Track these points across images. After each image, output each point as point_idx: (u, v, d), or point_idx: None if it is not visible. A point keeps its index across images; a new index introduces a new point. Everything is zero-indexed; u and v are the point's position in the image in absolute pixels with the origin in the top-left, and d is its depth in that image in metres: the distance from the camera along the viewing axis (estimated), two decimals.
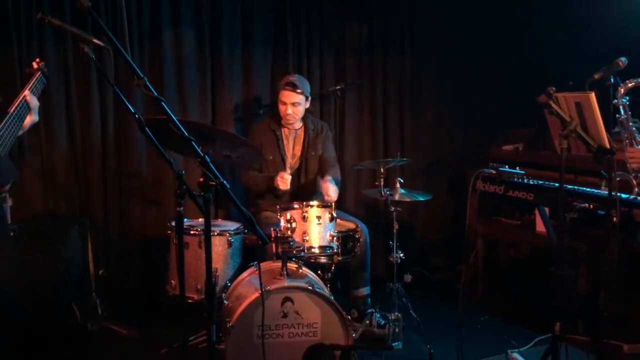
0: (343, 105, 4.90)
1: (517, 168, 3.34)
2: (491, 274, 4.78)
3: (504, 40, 5.25)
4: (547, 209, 3.58)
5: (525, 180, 3.25)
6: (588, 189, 3.07)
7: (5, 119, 2.60)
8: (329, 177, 4.01)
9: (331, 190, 3.89)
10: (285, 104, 4.07)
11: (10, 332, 2.88)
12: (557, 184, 2.89)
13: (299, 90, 4.03)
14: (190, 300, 3.43)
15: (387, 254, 3.78)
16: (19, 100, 2.69)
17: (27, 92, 2.73)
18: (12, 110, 2.65)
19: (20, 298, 3.02)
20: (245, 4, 4.65)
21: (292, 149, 4.23)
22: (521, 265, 4.65)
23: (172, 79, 4.46)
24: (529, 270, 4.47)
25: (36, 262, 3.61)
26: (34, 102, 2.75)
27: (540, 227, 4.23)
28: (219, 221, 3.93)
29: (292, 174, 4.08)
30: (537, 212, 4.12)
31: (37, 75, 2.87)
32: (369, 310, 3.80)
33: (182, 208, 2.25)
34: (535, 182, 3.24)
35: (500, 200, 3.50)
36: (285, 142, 4.20)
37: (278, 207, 3.55)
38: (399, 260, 3.72)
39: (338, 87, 4.68)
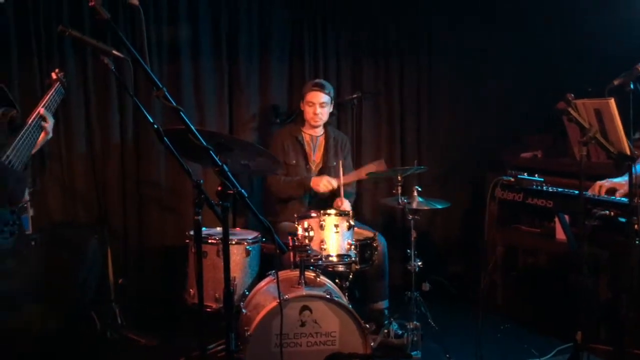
0: (360, 113, 4.90)
1: (536, 175, 3.31)
2: (510, 282, 4.73)
3: (522, 47, 5.21)
4: (567, 217, 3.54)
5: (545, 188, 3.22)
6: (608, 196, 3.03)
7: (23, 130, 2.63)
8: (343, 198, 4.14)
9: (347, 206, 4.01)
10: (313, 104, 4.11)
11: (30, 340, 2.90)
12: (576, 191, 2.85)
13: (326, 91, 4.12)
14: (208, 309, 3.44)
15: (405, 262, 3.76)
16: (35, 113, 2.71)
17: (41, 109, 2.74)
18: (30, 122, 2.68)
19: (40, 306, 3.04)
20: (263, 13, 4.68)
21: (313, 155, 4.25)
22: (541, 273, 4.60)
23: (190, 89, 4.49)
24: (549, 278, 4.42)
25: (55, 271, 3.63)
26: (49, 118, 2.76)
27: (560, 234, 4.19)
28: (237, 230, 3.94)
29: None
30: (557, 219, 4.08)
31: (55, 87, 2.89)
32: (386, 322, 3.79)
33: (200, 217, 2.26)
34: (555, 189, 3.20)
35: (519, 207, 3.46)
36: (307, 149, 4.23)
37: (295, 215, 3.56)
38: (417, 269, 3.70)
39: (355, 96, 4.67)
